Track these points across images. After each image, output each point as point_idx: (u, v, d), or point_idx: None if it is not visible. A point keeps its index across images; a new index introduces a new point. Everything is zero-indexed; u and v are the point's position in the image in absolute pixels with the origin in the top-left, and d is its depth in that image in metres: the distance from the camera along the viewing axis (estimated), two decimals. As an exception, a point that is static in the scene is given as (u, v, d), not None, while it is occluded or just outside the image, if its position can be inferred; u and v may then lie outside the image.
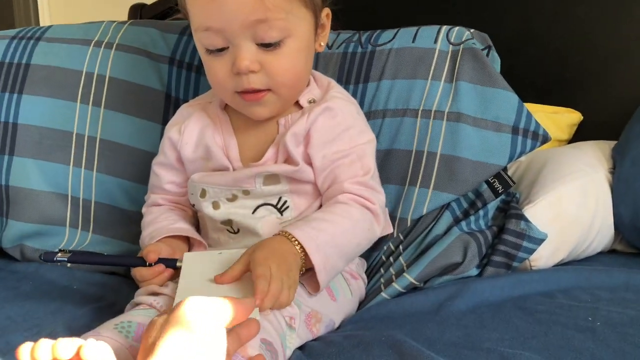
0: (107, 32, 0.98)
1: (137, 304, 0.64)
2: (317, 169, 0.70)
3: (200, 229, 0.78)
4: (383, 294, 0.76)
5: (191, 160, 0.74)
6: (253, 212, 0.71)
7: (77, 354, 0.41)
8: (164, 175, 0.77)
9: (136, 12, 1.48)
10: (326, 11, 0.72)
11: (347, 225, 0.67)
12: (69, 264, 0.84)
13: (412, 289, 0.77)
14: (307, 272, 0.66)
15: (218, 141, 0.73)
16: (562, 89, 1.03)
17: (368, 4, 1.06)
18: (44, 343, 0.41)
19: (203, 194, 0.73)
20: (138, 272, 0.67)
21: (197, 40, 0.68)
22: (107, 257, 0.72)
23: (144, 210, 0.79)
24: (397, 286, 0.76)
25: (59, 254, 0.70)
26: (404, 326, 0.65)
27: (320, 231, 0.64)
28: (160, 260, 0.66)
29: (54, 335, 0.62)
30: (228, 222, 0.72)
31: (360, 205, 0.69)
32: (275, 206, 0.71)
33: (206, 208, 0.72)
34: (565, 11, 1.04)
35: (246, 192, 0.70)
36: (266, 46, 0.65)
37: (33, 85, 0.96)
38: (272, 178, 0.70)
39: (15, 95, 0.96)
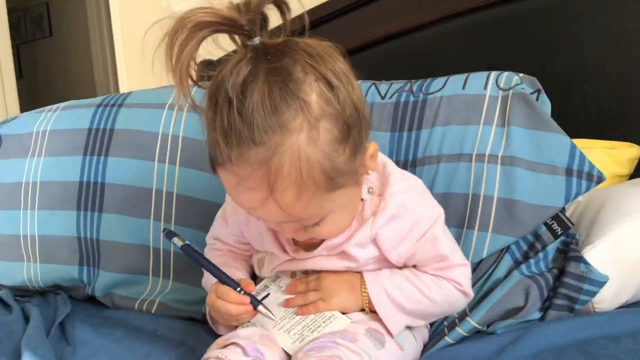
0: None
1: (207, 359, 0.68)
2: (393, 262, 0.72)
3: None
4: (447, 338, 0.78)
5: (251, 236, 0.78)
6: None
7: None
8: (225, 230, 0.81)
9: (205, 67, 1.58)
10: (371, 151, 0.66)
11: (428, 297, 0.71)
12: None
13: (475, 333, 0.78)
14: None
15: (271, 230, 0.74)
16: (620, 123, 1.01)
17: (417, 50, 1.10)
18: None
19: (260, 265, 0.79)
20: (226, 292, 0.70)
21: None
22: (211, 263, 0.73)
23: (209, 252, 0.83)
24: (460, 330, 0.78)
25: (176, 238, 0.75)
26: None
27: (393, 290, 0.70)
28: (251, 295, 0.70)
29: None
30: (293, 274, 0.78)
31: (449, 283, 0.72)
32: None
33: (265, 273, 0.78)
34: (618, 42, 1.04)
35: (306, 273, 0.76)
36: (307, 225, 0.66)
37: (117, 148, 1.05)
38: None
39: (102, 158, 1.06)
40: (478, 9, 1.12)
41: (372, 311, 0.73)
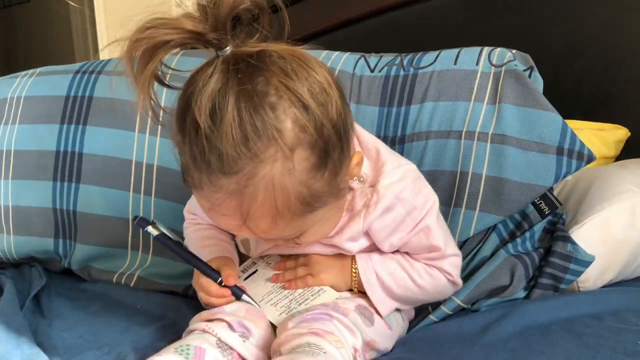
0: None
1: (192, 331, 0.67)
2: (385, 252, 0.71)
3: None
4: (431, 316, 0.77)
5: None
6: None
7: None
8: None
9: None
10: (355, 160, 0.62)
11: (418, 285, 0.70)
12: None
13: (460, 311, 0.78)
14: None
15: None
16: (609, 105, 1.01)
17: (409, 23, 1.07)
18: None
19: (246, 245, 0.76)
20: (206, 285, 0.68)
21: None
22: (189, 254, 0.70)
23: (188, 228, 0.80)
24: (444, 309, 0.77)
25: (151, 227, 0.70)
26: (451, 349, 0.67)
27: (385, 275, 0.69)
28: (232, 287, 0.68)
29: (124, 356, 0.67)
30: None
31: (439, 273, 0.71)
32: None
33: (253, 254, 0.76)
34: (611, 25, 1.03)
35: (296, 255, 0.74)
36: None
37: (96, 117, 1.01)
38: None
39: (80, 127, 1.02)
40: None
41: (360, 292, 0.72)
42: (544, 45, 0.89)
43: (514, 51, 0.88)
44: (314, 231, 0.62)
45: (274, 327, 0.69)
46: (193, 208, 0.80)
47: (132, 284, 0.96)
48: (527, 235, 0.82)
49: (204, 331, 0.66)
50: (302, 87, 0.54)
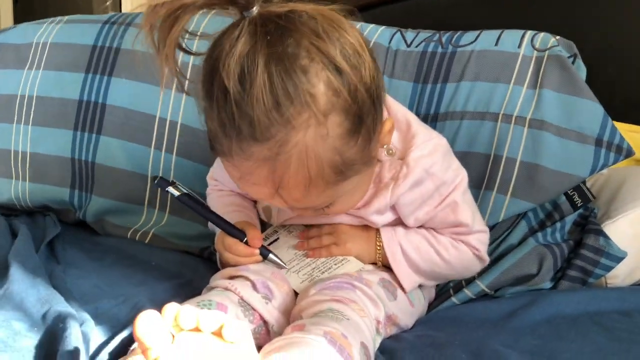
0: (192, 20, 1.00)
1: (213, 287, 0.65)
2: (410, 226, 0.69)
3: None
4: (453, 299, 0.75)
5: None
6: None
7: (219, 329, 0.41)
8: (230, 181, 0.71)
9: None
10: (387, 128, 0.61)
11: (444, 259, 0.68)
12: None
13: (482, 296, 0.76)
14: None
15: None
16: (641, 108, 1.01)
17: (448, 5, 1.04)
18: (189, 310, 0.40)
19: (267, 213, 0.74)
20: (233, 245, 0.67)
21: None
22: (214, 214, 0.68)
23: (211, 193, 0.78)
24: (467, 292, 0.75)
25: (171, 187, 0.68)
26: (476, 331, 0.65)
27: (410, 249, 0.67)
28: (261, 249, 0.67)
29: (140, 306, 0.66)
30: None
31: (466, 247, 0.69)
32: None
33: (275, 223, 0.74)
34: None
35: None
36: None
37: (122, 69, 0.98)
38: None
39: (105, 78, 0.98)
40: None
41: (384, 266, 0.70)
42: (578, 47, 0.87)
43: (557, 37, 0.84)
44: (343, 201, 0.60)
45: (295, 294, 0.67)
46: (216, 174, 0.78)
47: (146, 241, 0.93)
48: (558, 226, 0.80)
49: (227, 289, 0.64)
50: (335, 49, 0.51)
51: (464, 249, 0.69)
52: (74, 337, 0.56)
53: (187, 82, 0.59)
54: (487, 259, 0.71)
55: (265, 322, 0.63)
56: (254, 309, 0.63)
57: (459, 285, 0.77)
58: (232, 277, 0.66)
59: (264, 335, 0.63)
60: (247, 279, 0.65)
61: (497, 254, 0.79)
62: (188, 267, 0.84)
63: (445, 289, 0.78)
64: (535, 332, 0.64)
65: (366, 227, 0.69)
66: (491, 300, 0.75)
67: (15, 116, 1.02)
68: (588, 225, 0.79)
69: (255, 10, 0.52)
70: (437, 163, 0.65)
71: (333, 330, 0.51)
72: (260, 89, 0.49)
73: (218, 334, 0.41)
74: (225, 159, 0.55)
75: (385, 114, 0.62)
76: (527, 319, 0.67)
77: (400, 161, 0.64)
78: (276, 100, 0.49)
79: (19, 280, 0.68)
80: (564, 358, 0.57)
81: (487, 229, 0.71)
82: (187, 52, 0.57)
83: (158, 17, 0.52)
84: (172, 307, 0.41)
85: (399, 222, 0.68)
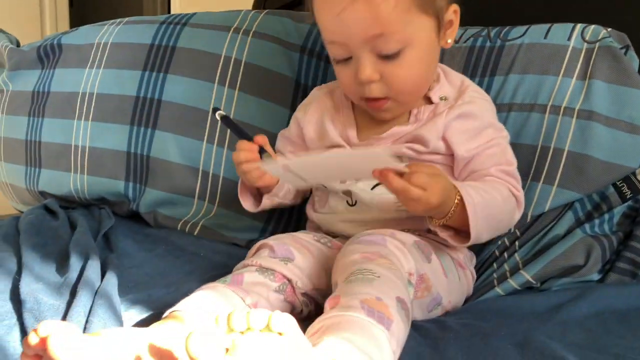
0: (245, 20, 1.03)
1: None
2: (458, 158, 0.71)
3: (309, 202, 0.82)
4: (497, 289, 0.74)
5: (310, 138, 0.79)
6: (372, 189, 0.73)
7: (267, 324, 0.42)
8: (284, 146, 0.84)
9: (260, 2, 1.54)
10: (453, 7, 0.71)
11: (499, 198, 0.67)
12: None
13: (527, 289, 0.75)
14: (451, 230, 0.67)
15: (336, 124, 0.77)
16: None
17: (495, 2, 1.03)
18: (239, 313, 0.42)
19: (322, 200, 0.76)
20: (239, 143, 0.74)
21: (327, 49, 0.72)
22: (237, 127, 0.77)
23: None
24: (512, 282, 0.74)
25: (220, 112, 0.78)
26: (522, 323, 0.64)
27: (477, 193, 0.65)
28: (260, 148, 0.73)
29: (189, 293, 0.68)
30: (348, 193, 0.74)
31: (507, 189, 0.69)
32: None
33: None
34: None
35: None
36: (385, 57, 0.67)
37: (177, 66, 1.01)
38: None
39: (161, 75, 1.02)
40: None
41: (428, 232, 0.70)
42: (631, 38, 0.84)
43: (609, 29, 0.82)
44: (408, 59, 0.66)
45: (321, 260, 0.68)
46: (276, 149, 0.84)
47: (195, 233, 0.96)
48: (606, 217, 0.78)
49: (245, 265, 0.67)
50: None
51: (505, 188, 0.70)
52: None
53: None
54: (523, 203, 0.72)
55: (289, 280, 0.65)
56: (273, 270, 0.65)
57: (502, 276, 0.76)
58: (254, 254, 0.70)
59: (290, 293, 0.65)
60: (266, 246, 0.68)
61: (543, 244, 0.77)
62: (234, 258, 0.84)
63: (488, 280, 0.77)
64: (583, 325, 0.62)
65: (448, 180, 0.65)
66: (537, 293, 0.73)
67: (77, 112, 1.07)
68: (638, 217, 0.77)
69: None
70: (488, 110, 0.74)
71: (367, 297, 0.52)
72: None
73: (266, 328, 0.42)
74: None
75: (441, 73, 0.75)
76: (575, 313, 0.65)
77: (455, 100, 0.72)
78: None
79: (77, 269, 0.72)
80: (612, 353, 0.56)
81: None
82: None
83: None
84: (223, 315, 0.43)
85: (447, 164, 0.72)
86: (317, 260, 0.68)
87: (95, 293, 0.65)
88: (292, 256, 0.67)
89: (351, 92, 0.73)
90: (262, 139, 0.74)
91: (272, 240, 0.69)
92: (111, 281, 0.69)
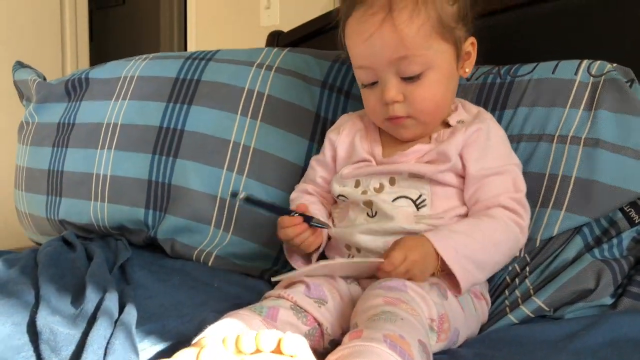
0: (269, 57, 1.07)
1: (267, 297, 0.69)
2: (470, 178, 0.74)
3: (334, 219, 0.84)
4: (510, 316, 0.75)
5: (341, 158, 0.84)
6: (393, 201, 0.76)
7: (278, 345, 0.43)
8: (318, 170, 0.87)
9: (274, 39, 1.60)
10: (471, 40, 0.78)
11: (489, 243, 0.69)
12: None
13: (541, 317, 0.75)
14: (448, 276, 0.68)
15: (364, 142, 0.82)
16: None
17: (506, 40, 1.07)
18: (248, 335, 0.43)
19: (357, 184, 0.80)
20: (280, 220, 0.77)
21: (356, 75, 0.79)
22: (268, 203, 0.82)
23: (293, 194, 0.89)
24: (525, 309, 0.74)
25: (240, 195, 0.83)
26: (535, 352, 0.64)
27: (460, 245, 0.68)
28: (302, 215, 0.76)
29: (205, 323, 0.68)
30: (369, 204, 0.77)
31: (512, 221, 0.71)
32: (413, 201, 0.75)
33: (355, 193, 0.79)
34: None
35: (392, 181, 0.76)
36: (408, 79, 0.73)
37: (201, 98, 1.05)
38: (416, 175, 0.75)
39: (185, 106, 1.06)
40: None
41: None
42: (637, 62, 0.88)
43: (614, 64, 0.85)
44: (429, 81, 0.73)
45: (350, 302, 0.69)
46: (305, 177, 0.90)
47: (210, 263, 0.97)
48: (615, 241, 0.78)
49: (279, 297, 0.67)
50: None
51: (505, 224, 0.72)
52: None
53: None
54: (527, 232, 0.75)
55: (319, 325, 0.65)
56: (307, 312, 0.65)
57: (514, 303, 0.76)
58: (287, 287, 0.70)
59: (318, 338, 0.65)
60: (302, 282, 0.68)
61: (552, 269, 0.78)
62: (248, 288, 0.88)
63: (500, 308, 0.77)
64: (596, 354, 0.62)
65: (423, 243, 0.69)
66: (550, 321, 0.73)
67: (100, 142, 1.10)
68: (649, 242, 0.76)
69: None
70: (502, 136, 0.79)
71: (390, 333, 0.53)
72: None
73: (277, 351, 0.43)
74: (354, 11, 0.74)
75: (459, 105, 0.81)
76: (589, 341, 0.65)
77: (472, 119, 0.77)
78: None
79: (93, 300, 0.73)
80: (628, 381, 0.54)
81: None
82: None
83: None
84: (232, 336, 0.44)
85: (461, 183, 0.75)
86: (346, 305, 0.69)
87: (115, 323, 0.66)
88: (325, 298, 0.68)
89: (376, 114, 0.78)
90: (303, 208, 0.78)
91: (307, 279, 0.69)
92: (131, 313, 0.70)
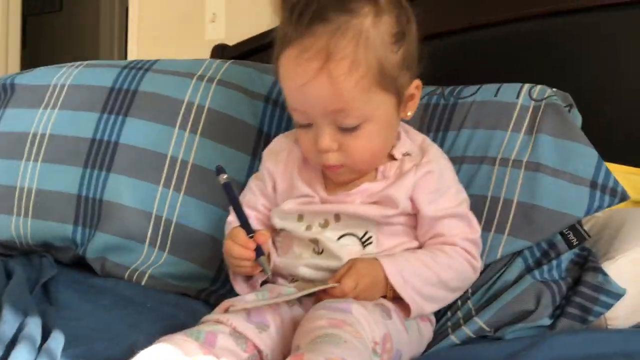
0: (210, 68, 1.04)
1: (204, 322, 0.66)
2: (424, 218, 0.73)
3: (277, 248, 0.80)
4: (452, 337, 0.74)
5: (283, 189, 0.79)
6: (338, 239, 0.73)
7: None
8: (260, 199, 0.82)
9: (218, 52, 1.58)
10: (415, 83, 0.74)
11: (440, 280, 0.71)
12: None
13: (482, 337, 0.75)
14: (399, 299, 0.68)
15: (304, 177, 0.77)
16: (640, 149, 1.03)
17: (448, 63, 1.10)
18: None
19: (300, 218, 0.76)
20: (236, 233, 0.72)
21: (290, 114, 0.74)
22: (239, 206, 0.75)
23: (230, 217, 0.82)
24: (466, 330, 0.74)
25: (223, 175, 0.76)
26: None
27: (412, 275, 0.69)
28: (258, 247, 0.71)
29: (134, 347, 0.64)
30: (315, 241, 0.74)
31: (466, 262, 0.72)
32: (359, 238, 0.73)
33: (299, 229, 0.75)
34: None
35: (337, 218, 0.73)
36: (345, 129, 0.69)
37: (138, 109, 1.01)
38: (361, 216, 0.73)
39: (120, 118, 1.01)
40: (500, 23, 1.13)
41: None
42: (575, 87, 0.91)
43: (554, 89, 0.88)
44: (368, 132, 0.69)
45: (292, 326, 0.67)
46: (247, 200, 0.83)
47: (143, 283, 0.92)
48: (554, 263, 0.80)
49: (218, 322, 0.64)
50: None
51: (460, 263, 0.72)
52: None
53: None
54: (479, 271, 0.76)
55: (259, 352, 0.63)
56: (247, 338, 0.63)
57: (456, 324, 0.76)
58: (227, 311, 0.66)
59: None
60: (242, 309, 0.65)
61: (494, 291, 0.78)
62: (183, 308, 0.83)
63: (442, 328, 0.77)
64: None
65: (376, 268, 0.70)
66: (491, 342, 0.73)
67: (25, 154, 1.04)
68: (587, 264, 0.79)
69: None
70: (451, 168, 0.77)
71: (333, 357, 0.51)
72: None
73: None
74: (289, 46, 0.67)
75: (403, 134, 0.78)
76: None
77: (420, 155, 0.75)
78: None
79: (10, 321, 0.68)
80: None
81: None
82: None
83: None
84: None
85: (413, 222, 0.74)
86: (288, 329, 0.67)
87: (39, 349, 0.62)
88: (267, 323, 0.65)
89: (310, 157, 0.75)
90: (263, 238, 0.72)
91: (248, 305, 0.66)
92: (58, 339, 0.66)
